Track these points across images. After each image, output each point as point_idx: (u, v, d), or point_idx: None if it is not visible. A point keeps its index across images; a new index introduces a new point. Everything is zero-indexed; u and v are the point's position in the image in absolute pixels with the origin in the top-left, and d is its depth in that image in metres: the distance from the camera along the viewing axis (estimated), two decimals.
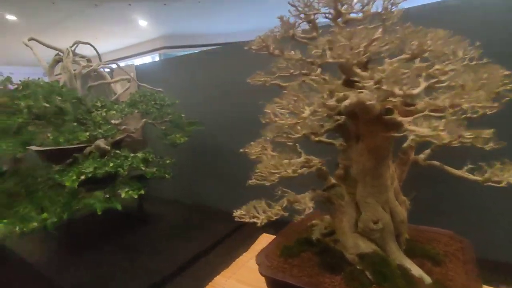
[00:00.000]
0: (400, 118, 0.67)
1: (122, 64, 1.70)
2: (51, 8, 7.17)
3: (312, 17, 0.74)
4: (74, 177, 0.99)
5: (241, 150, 1.01)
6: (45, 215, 0.98)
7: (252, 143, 1.11)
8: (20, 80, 1.12)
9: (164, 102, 1.48)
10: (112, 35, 9.87)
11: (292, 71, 0.73)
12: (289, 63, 0.75)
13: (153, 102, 1.44)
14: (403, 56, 0.68)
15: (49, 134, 1.18)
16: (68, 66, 1.32)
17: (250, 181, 0.95)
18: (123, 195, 1.03)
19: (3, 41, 8.47)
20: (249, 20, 9.78)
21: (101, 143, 1.24)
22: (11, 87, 1.12)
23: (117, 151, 1.19)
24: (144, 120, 1.55)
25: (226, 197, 1.72)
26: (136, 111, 1.34)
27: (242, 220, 0.89)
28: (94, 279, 1.07)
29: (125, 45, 11.41)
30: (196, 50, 2.30)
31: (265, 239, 1.48)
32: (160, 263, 1.16)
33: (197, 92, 1.71)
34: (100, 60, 1.55)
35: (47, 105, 1.06)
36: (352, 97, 0.60)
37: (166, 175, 1.20)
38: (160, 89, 1.61)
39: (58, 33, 7.99)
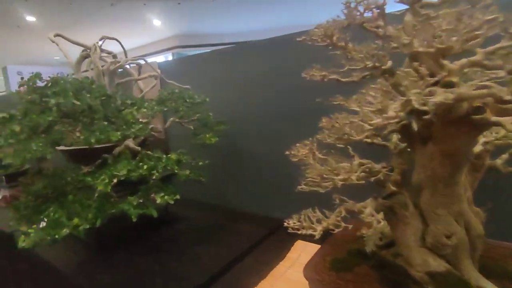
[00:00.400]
0: (495, 118, 0.57)
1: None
2: (68, 8, 7.24)
3: (381, 2, 0.65)
4: (107, 180, 0.91)
5: (286, 152, 0.92)
6: (76, 220, 0.91)
7: (297, 144, 1.02)
8: (49, 77, 1.06)
9: (194, 100, 1.40)
10: (126, 34, 9.94)
11: (361, 64, 0.64)
12: (354, 55, 0.65)
13: (182, 100, 1.36)
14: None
15: (78, 133, 1.11)
16: (96, 62, 1.26)
17: (300, 187, 0.86)
18: (158, 200, 0.95)
19: (23, 41, 8.63)
20: (262, 19, 9.70)
21: (130, 143, 1.17)
22: (40, 83, 1.05)
23: (148, 152, 1.12)
24: (171, 119, 1.48)
25: (253, 200, 1.63)
26: (165, 109, 1.27)
27: (296, 231, 0.80)
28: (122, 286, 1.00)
29: (139, 44, 11.48)
30: (209, 49, 2.22)
31: (300, 247, 1.39)
32: (191, 270, 1.08)
33: (221, 91, 1.63)
34: (126, 56, 1.48)
35: (77, 102, 0.99)
36: (448, 95, 0.50)
37: (201, 178, 1.12)
38: (187, 86, 1.53)
39: (76, 32, 8.07)
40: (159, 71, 1.55)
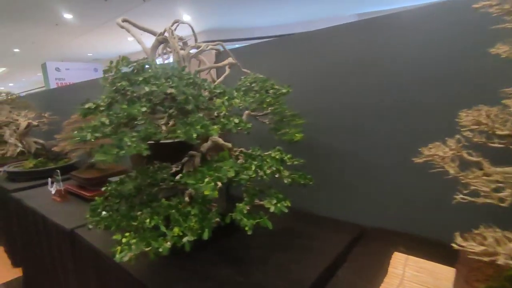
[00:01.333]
0: None
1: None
2: (103, 6, 7.27)
3: None
4: (212, 184, 0.74)
5: (422, 149, 0.73)
6: (177, 230, 0.75)
7: (437, 143, 0.81)
8: (135, 62, 0.90)
9: (279, 90, 1.22)
10: (157, 30, 9.95)
11: None
12: None
13: (265, 90, 1.18)
14: None
15: (164, 127, 0.95)
16: (175, 47, 1.10)
17: (459, 196, 0.67)
18: (272, 209, 0.77)
19: (61, 39, 8.82)
20: (291, 14, 9.41)
21: (219, 138, 1.01)
22: (124, 69, 0.90)
23: (243, 149, 0.94)
24: (247, 111, 1.30)
25: (331, 203, 1.44)
26: (250, 100, 1.09)
27: (475, 257, 0.60)
28: None
29: None
30: (237, 44, 2.00)
31: (400, 260, 1.18)
32: (280, 284, 0.89)
33: (294, 80, 1.43)
34: (196, 42, 1.31)
35: (173, 91, 0.83)
36: None
37: (310, 182, 0.93)
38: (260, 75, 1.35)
39: (111, 29, 8.14)
40: (231, 59, 1.38)
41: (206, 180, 0.75)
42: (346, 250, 1.17)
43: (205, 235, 0.73)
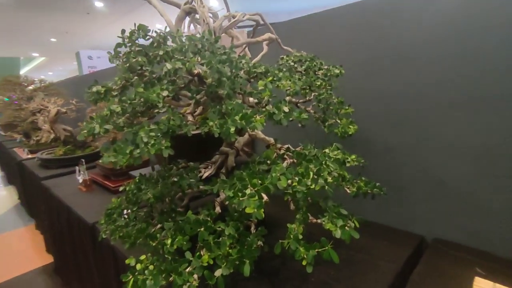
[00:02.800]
0: None
1: None
2: None
3: None
4: (256, 198, 0.52)
5: None
6: (206, 257, 0.54)
7: None
8: (155, 31, 0.68)
9: (330, 71, 0.96)
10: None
11: None
12: None
13: (315, 70, 0.93)
14: None
15: (190, 118, 0.73)
16: (206, 17, 0.87)
17: None
18: (338, 234, 0.54)
19: (92, 27, 8.87)
20: None
21: (259, 132, 0.78)
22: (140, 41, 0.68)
23: (289, 146, 0.71)
24: (288, 97, 1.05)
25: (384, 208, 1.18)
26: (297, 81, 0.84)
27: None
28: None
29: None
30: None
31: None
32: None
33: (339, 62, 1.16)
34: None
35: (204, 69, 0.61)
36: None
37: (381, 192, 0.67)
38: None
39: (140, 15, 8.05)
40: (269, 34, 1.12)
41: (248, 192, 0.53)
42: (406, 268, 0.92)
43: (245, 271, 0.52)
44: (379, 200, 1.15)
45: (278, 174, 0.55)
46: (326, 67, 1.01)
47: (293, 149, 0.73)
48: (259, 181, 0.55)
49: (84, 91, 0.67)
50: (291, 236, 0.53)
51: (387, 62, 1.08)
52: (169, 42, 0.72)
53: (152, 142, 0.56)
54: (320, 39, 1.27)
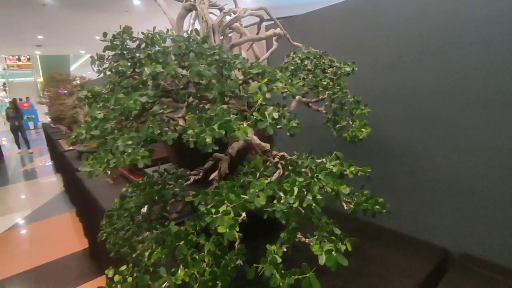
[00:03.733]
0: None
1: None
2: None
3: None
4: (231, 216, 0.47)
5: None
6: (181, 275, 0.50)
7: None
8: (142, 33, 0.65)
9: (340, 68, 0.87)
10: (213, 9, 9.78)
11: None
12: None
13: (323, 68, 0.85)
14: None
15: (181, 122, 0.70)
16: (205, 14, 0.82)
17: None
18: (323, 260, 0.47)
19: (130, 24, 9.26)
20: None
21: (253, 136, 0.72)
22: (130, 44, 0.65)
23: (284, 154, 0.65)
24: (297, 97, 0.97)
25: (400, 214, 1.06)
26: (300, 83, 0.76)
27: None
28: None
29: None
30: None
31: None
32: None
33: (354, 58, 1.04)
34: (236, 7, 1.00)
35: (184, 72, 0.57)
36: None
37: (383, 210, 0.59)
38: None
39: (175, 14, 8.22)
40: (278, 30, 1.04)
41: (223, 208, 0.48)
42: (424, 286, 0.81)
43: None
44: (397, 206, 1.05)
45: (257, 190, 0.49)
46: (337, 64, 0.92)
47: (288, 157, 0.67)
48: (237, 198, 0.50)
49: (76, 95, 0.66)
50: (268, 259, 0.48)
51: (409, 57, 0.95)
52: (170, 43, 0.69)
53: (129, 151, 0.53)
54: (336, 34, 1.16)
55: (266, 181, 0.50)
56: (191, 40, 0.63)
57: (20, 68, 15.02)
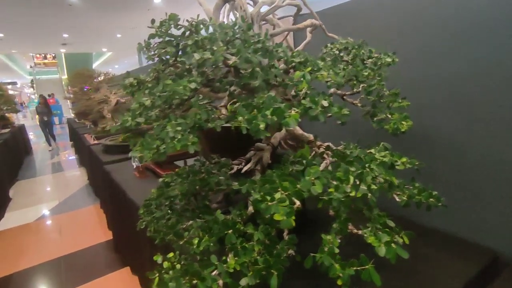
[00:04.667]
0: None
1: None
2: None
3: None
4: (287, 204, 0.46)
5: None
6: (232, 263, 0.49)
7: None
8: (187, 20, 0.65)
9: (380, 59, 0.84)
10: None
11: None
12: None
13: (362, 59, 0.82)
14: None
15: (224, 111, 0.69)
16: (243, 5, 0.81)
17: None
18: (382, 252, 0.45)
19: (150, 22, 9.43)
20: None
21: (297, 127, 0.70)
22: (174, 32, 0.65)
23: (330, 144, 0.63)
24: (332, 89, 0.94)
25: (448, 213, 1.01)
26: (340, 72, 0.74)
27: None
28: None
29: None
30: None
31: None
32: None
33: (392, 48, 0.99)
34: None
35: (234, 59, 0.56)
36: None
37: (438, 203, 0.56)
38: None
39: (192, 10, 8.31)
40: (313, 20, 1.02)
41: (278, 196, 0.47)
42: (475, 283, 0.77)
43: (273, 284, 0.46)
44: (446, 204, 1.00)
45: (313, 178, 0.47)
46: (376, 55, 0.88)
47: (334, 148, 0.65)
48: (291, 185, 0.48)
49: (120, 84, 0.66)
50: (325, 250, 0.46)
51: (454, 42, 0.90)
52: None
53: (179, 137, 0.52)
54: (370, 24, 1.12)
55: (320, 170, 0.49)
56: (236, 27, 0.62)
57: (46, 66, 15.61)
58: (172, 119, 0.55)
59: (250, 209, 0.64)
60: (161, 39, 0.62)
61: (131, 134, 0.69)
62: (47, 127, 7.26)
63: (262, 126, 0.49)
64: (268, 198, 0.47)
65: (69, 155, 6.71)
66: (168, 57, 0.61)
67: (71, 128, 6.30)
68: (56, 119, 12.29)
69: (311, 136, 0.68)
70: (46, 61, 15.60)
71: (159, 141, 0.54)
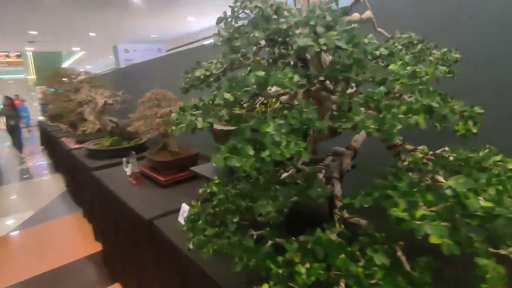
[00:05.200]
0: None
1: None
2: None
3: None
4: (440, 223, 0.37)
5: None
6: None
7: None
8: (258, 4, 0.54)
9: (446, 54, 0.78)
10: (218, 11, 9.61)
11: None
12: None
13: (429, 54, 0.76)
14: None
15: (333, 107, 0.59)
16: None
17: None
18: None
19: (130, 22, 9.00)
20: None
21: None
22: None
23: (425, 148, 0.55)
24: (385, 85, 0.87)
25: None
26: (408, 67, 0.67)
27: None
28: None
29: None
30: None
31: None
32: None
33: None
34: None
35: (345, 46, 0.46)
36: None
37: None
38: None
39: (175, 10, 8.05)
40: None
41: (422, 213, 0.37)
42: None
43: None
44: None
45: (464, 189, 0.38)
46: (443, 50, 0.83)
47: (432, 152, 0.57)
48: (428, 197, 0.39)
49: (181, 76, 0.54)
50: (489, 280, 0.37)
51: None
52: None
53: (285, 142, 0.41)
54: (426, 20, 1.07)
55: (470, 178, 0.40)
56: (325, 9, 0.53)
57: (10, 65, 14.43)
58: (269, 119, 0.44)
59: (339, 226, 0.54)
60: (241, 23, 0.51)
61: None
62: (14, 132, 6.62)
63: (398, 127, 0.39)
64: (414, 214, 0.38)
65: (41, 161, 6.18)
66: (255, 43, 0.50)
67: (43, 132, 5.80)
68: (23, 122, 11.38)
69: (400, 138, 0.60)
70: (9, 59, 14.41)
71: (249, 147, 0.42)
